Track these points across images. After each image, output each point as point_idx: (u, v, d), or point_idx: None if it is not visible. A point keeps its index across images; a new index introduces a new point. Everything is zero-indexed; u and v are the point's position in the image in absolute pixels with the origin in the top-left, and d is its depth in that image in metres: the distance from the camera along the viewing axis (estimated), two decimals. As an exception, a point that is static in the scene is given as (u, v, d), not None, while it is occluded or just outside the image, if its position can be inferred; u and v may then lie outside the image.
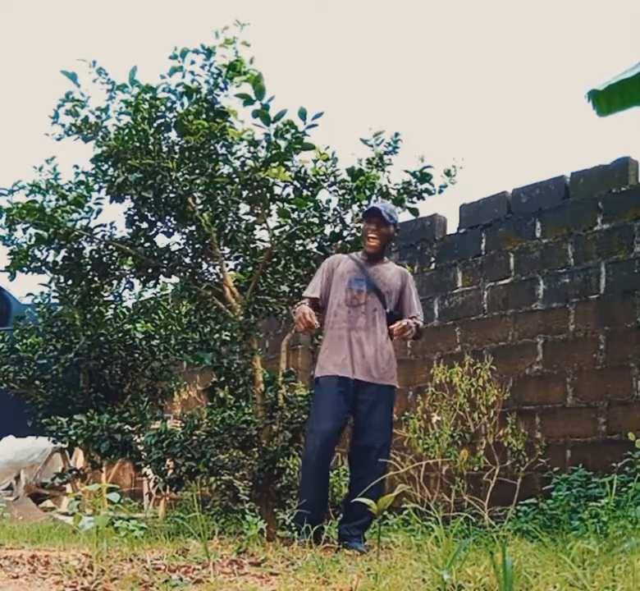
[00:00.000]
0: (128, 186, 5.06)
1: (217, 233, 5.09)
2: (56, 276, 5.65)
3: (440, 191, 5.40)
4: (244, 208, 5.25)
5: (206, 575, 2.66)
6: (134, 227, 5.37)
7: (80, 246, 5.44)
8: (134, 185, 5.03)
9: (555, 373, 6.30)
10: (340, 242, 5.32)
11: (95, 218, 5.41)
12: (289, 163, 4.97)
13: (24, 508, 7.40)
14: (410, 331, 4.22)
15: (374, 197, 5.26)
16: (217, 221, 5.03)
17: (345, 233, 5.35)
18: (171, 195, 5.04)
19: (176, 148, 5.08)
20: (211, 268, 5.51)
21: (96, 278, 5.62)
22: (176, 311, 6.82)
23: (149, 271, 5.51)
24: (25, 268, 5.45)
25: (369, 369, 4.21)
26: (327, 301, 4.36)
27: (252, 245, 5.33)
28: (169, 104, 5.04)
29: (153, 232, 5.39)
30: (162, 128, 5.08)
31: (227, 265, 5.36)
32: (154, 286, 5.97)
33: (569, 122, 20.42)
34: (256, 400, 5.05)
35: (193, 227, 5.25)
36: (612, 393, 5.93)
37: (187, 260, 5.46)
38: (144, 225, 5.36)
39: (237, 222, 5.19)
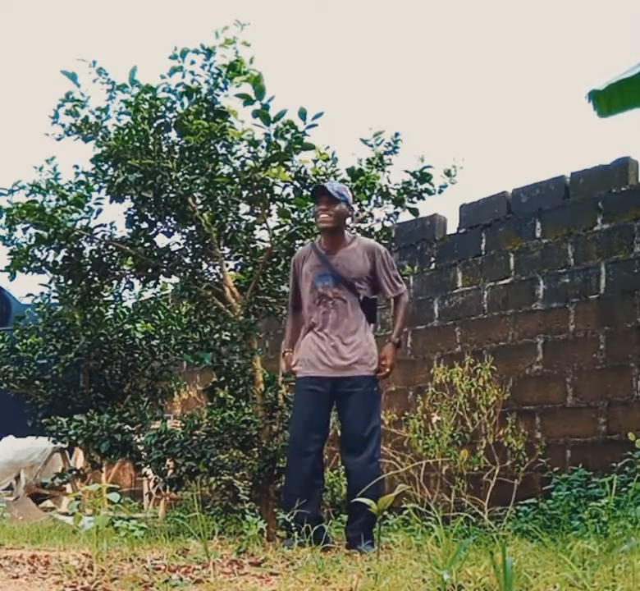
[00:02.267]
0: (128, 186, 5.06)
1: (217, 233, 5.09)
2: (56, 276, 5.65)
3: (440, 191, 5.41)
4: (244, 208, 5.26)
5: (206, 575, 2.66)
6: (134, 227, 5.37)
7: (80, 246, 5.44)
8: (134, 185, 5.03)
9: (555, 373, 6.30)
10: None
11: (95, 218, 5.41)
12: (289, 163, 4.97)
13: (24, 508, 7.40)
14: (388, 370, 4.18)
15: (374, 197, 5.27)
16: (217, 221, 5.03)
17: (345, 233, 5.34)
18: (171, 195, 5.04)
19: (176, 148, 5.08)
20: (211, 268, 5.51)
21: (96, 278, 5.62)
22: (176, 311, 6.81)
23: (149, 271, 5.51)
24: (25, 268, 5.44)
25: (344, 365, 4.13)
26: (303, 304, 4.33)
27: (252, 245, 5.33)
28: (169, 104, 5.05)
29: (153, 232, 5.39)
30: (162, 128, 5.08)
31: (227, 265, 5.36)
32: (154, 286, 5.97)
33: (569, 122, 20.42)
34: (256, 400, 5.05)
35: (193, 227, 5.25)
36: (612, 393, 5.93)
37: (187, 260, 5.46)
38: (144, 225, 5.36)
39: (237, 222, 5.19)
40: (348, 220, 4.37)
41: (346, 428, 4.18)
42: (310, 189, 4.87)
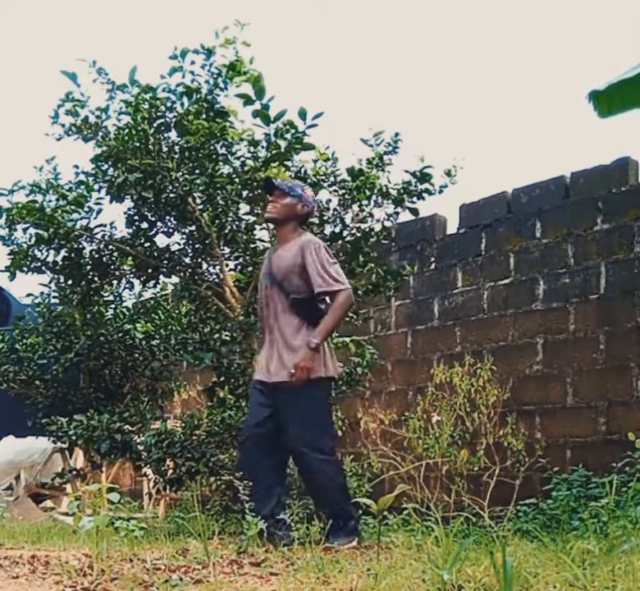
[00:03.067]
0: (128, 186, 5.06)
1: (217, 233, 5.09)
2: (56, 276, 5.65)
3: (440, 191, 5.41)
4: (244, 208, 5.26)
5: (206, 575, 2.66)
6: (134, 227, 5.37)
7: (80, 246, 5.44)
8: (134, 185, 5.03)
9: (555, 373, 6.30)
10: (340, 242, 5.32)
11: (95, 218, 5.41)
12: (289, 163, 4.98)
13: (24, 508, 7.40)
14: (300, 372, 3.89)
15: (374, 197, 5.27)
16: (217, 221, 5.03)
17: (345, 233, 5.35)
18: (171, 195, 5.04)
19: (176, 148, 5.08)
20: (211, 268, 5.51)
21: (96, 278, 5.62)
22: (176, 311, 6.81)
23: (149, 271, 5.51)
24: (25, 268, 5.44)
25: (281, 369, 3.99)
26: None
27: (252, 245, 5.33)
28: (169, 104, 5.05)
29: (153, 232, 5.39)
30: (162, 128, 5.08)
31: (227, 265, 5.36)
32: (154, 286, 5.97)
33: (569, 122, 20.41)
34: (256, 400, 5.04)
35: (193, 227, 5.25)
36: (612, 393, 5.93)
37: (187, 260, 5.46)
38: (144, 225, 5.36)
39: (237, 222, 5.19)
40: (299, 217, 4.19)
41: (288, 434, 4.03)
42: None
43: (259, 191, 4.99)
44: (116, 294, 6.70)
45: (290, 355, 3.97)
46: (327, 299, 4.00)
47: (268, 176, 4.44)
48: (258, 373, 4.15)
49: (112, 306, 6.80)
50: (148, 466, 5.38)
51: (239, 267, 5.47)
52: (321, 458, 3.97)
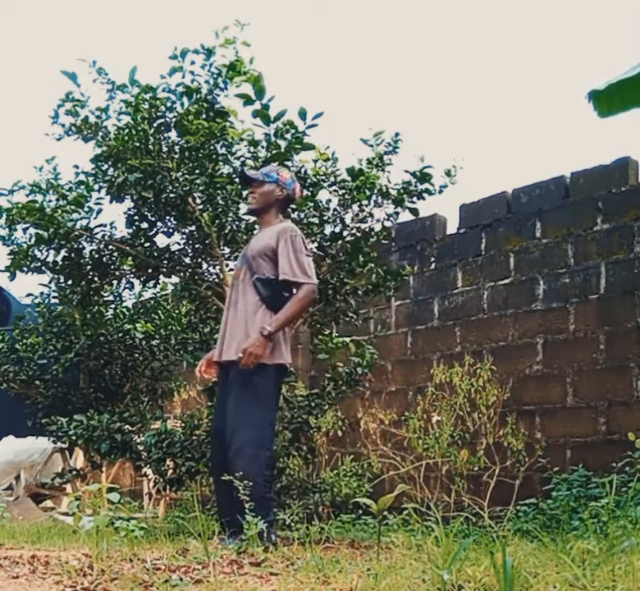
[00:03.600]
0: (128, 186, 5.06)
1: (217, 233, 5.09)
2: (56, 276, 5.65)
3: (440, 191, 5.40)
4: (244, 208, 5.25)
5: (206, 575, 2.66)
6: (134, 227, 5.37)
7: (80, 246, 5.43)
8: (134, 185, 5.03)
9: (555, 373, 6.30)
10: (340, 242, 5.32)
11: (95, 218, 5.41)
12: (289, 163, 4.97)
13: (24, 508, 7.40)
14: (249, 356, 3.76)
15: (374, 197, 5.26)
16: (217, 221, 5.03)
17: (345, 233, 5.34)
18: (171, 195, 5.04)
19: (176, 148, 5.08)
20: (211, 268, 5.51)
21: (96, 278, 5.61)
22: (176, 311, 6.81)
23: (149, 271, 5.51)
24: (25, 268, 5.44)
25: (232, 346, 3.90)
26: None
27: (252, 245, 5.32)
28: (169, 104, 5.04)
29: (153, 232, 5.39)
30: (162, 128, 5.08)
31: (227, 265, 5.36)
32: (154, 286, 5.97)
33: (569, 122, 20.42)
34: (256, 400, 5.04)
35: (193, 227, 5.25)
36: (612, 393, 5.93)
37: (187, 260, 5.46)
38: (144, 225, 5.36)
39: (237, 222, 5.19)
40: (279, 201, 4.18)
41: (217, 417, 3.99)
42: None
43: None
44: (116, 294, 6.71)
45: (243, 335, 3.88)
46: (293, 290, 3.95)
47: (243, 171, 4.35)
48: (218, 353, 4.04)
49: (112, 306, 6.80)
50: (148, 466, 5.38)
51: (239, 267, 5.46)
52: (245, 451, 3.77)
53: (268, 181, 4.13)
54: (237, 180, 4.35)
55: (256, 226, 5.29)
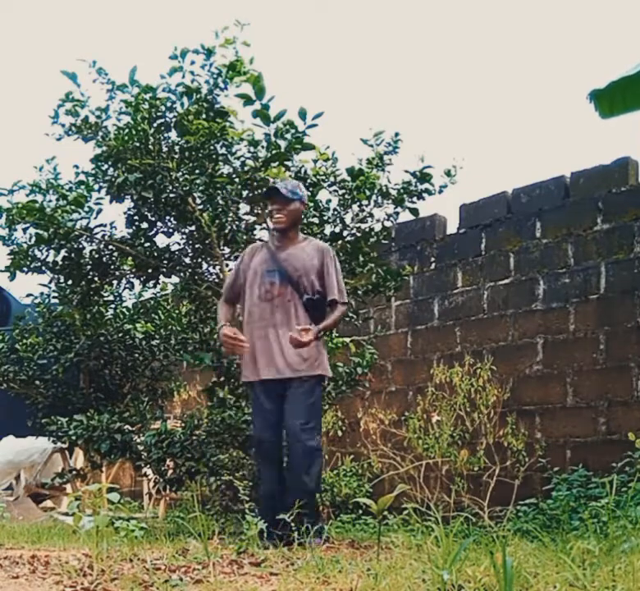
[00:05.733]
0: (128, 186, 5.06)
1: (217, 233, 5.09)
2: (56, 276, 5.65)
3: (440, 191, 5.40)
4: (244, 208, 5.26)
5: (206, 575, 2.66)
6: (134, 227, 5.37)
7: (80, 246, 5.44)
8: (134, 185, 5.03)
9: (555, 373, 6.30)
10: (340, 242, 5.32)
11: (95, 218, 5.41)
12: (289, 163, 4.98)
13: (24, 508, 7.39)
14: (306, 340, 3.94)
15: (374, 197, 5.26)
16: (217, 221, 5.03)
17: (345, 233, 5.35)
18: (171, 195, 5.04)
19: (176, 148, 5.08)
20: (211, 268, 5.51)
21: (96, 278, 5.62)
22: (176, 311, 6.81)
23: (149, 271, 5.51)
24: (25, 268, 5.44)
25: (291, 365, 4.07)
26: (243, 298, 4.25)
27: (252, 245, 5.32)
28: (169, 104, 5.05)
29: (153, 232, 5.40)
30: (162, 128, 5.08)
31: (227, 265, 5.36)
32: (154, 286, 5.97)
33: (569, 122, 20.40)
34: (256, 400, 5.04)
35: (193, 227, 5.25)
36: (612, 393, 5.93)
37: (187, 260, 5.47)
38: (144, 225, 5.36)
39: (237, 222, 5.20)
40: (301, 217, 4.38)
41: (288, 426, 4.12)
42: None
43: (259, 191, 4.99)
44: (116, 294, 6.70)
45: (306, 352, 4.06)
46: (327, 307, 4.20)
47: (272, 183, 4.42)
48: (261, 372, 4.12)
49: (112, 306, 6.80)
50: (148, 466, 5.39)
51: (239, 267, 5.46)
52: (315, 455, 4.09)
53: (296, 199, 4.20)
54: (266, 193, 4.29)
55: (255, 227, 5.30)
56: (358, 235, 5.33)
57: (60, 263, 5.45)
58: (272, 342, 4.10)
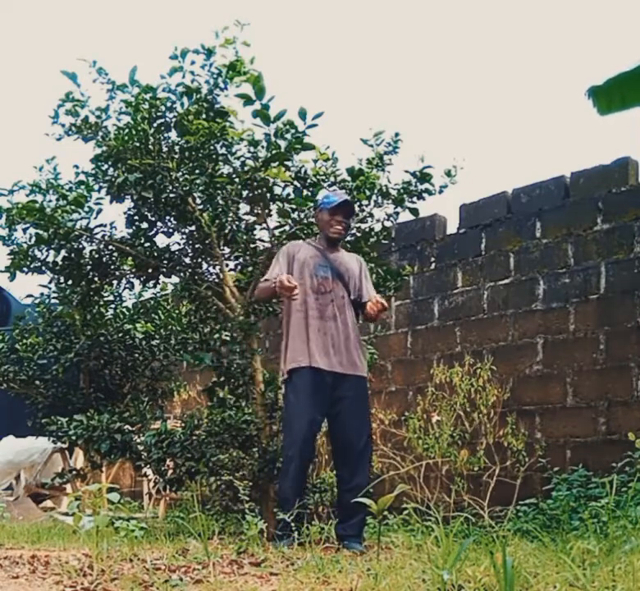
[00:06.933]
0: (128, 186, 5.06)
1: (217, 233, 5.09)
2: (56, 276, 5.65)
3: (440, 191, 5.40)
4: (244, 208, 5.25)
5: (206, 575, 2.66)
6: (134, 227, 5.37)
7: (80, 246, 5.43)
8: (134, 185, 5.03)
9: (555, 373, 6.30)
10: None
11: (95, 218, 5.41)
12: (289, 163, 4.97)
13: (24, 508, 7.40)
14: (384, 310, 4.17)
15: (374, 197, 5.26)
16: (217, 221, 5.03)
17: (345, 233, 5.33)
18: (171, 195, 5.04)
19: (176, 148, 5.08)
20: (211, 268, 5.51)
21: (96, 278, 5.61)
22: (176, 311, 6.81)
23: (149, 271, 5.51)
24: (25, 268, 5.44)
25: (344, 361, 4.16)
26: None
27: (252, 245, 5.32)
28: (169, 104, 5.04)
29: (153, 232, 5.39)
30: (162, 128, 5.07)
31: (227, 265, 5.36)
32: (154, 286, 5.97)
33: (569, 122, 20.41)
34: (256, 400, 5.05)
35: (193, 227, 5.24)
36: (612, 393, 5.93)
37: (187, 260, 5.46)
38: (144, 225, 5.36)
39: (237, 222, 5.19)
40: None
41: (347, 430, 4.18)
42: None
43: (259, 191, 4.99)
44: (116, 294, 6.70)
45: (357, 350, 4.22)
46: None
47: (348, 195, 4.66)
48: (312, 359, 4.12)
49: (112, 306, 6.80)
50: (148, 466, 5.38)
51: (239, 267, 5.46)
52: (369, 450, 4.28)
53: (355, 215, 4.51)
54: (342, 205, 4.37)
55: (255, 227, 5.30)
56: (358, 235, 5.33)
57: (60, 263, 5.45)
58: (332, 335, 4.18)
